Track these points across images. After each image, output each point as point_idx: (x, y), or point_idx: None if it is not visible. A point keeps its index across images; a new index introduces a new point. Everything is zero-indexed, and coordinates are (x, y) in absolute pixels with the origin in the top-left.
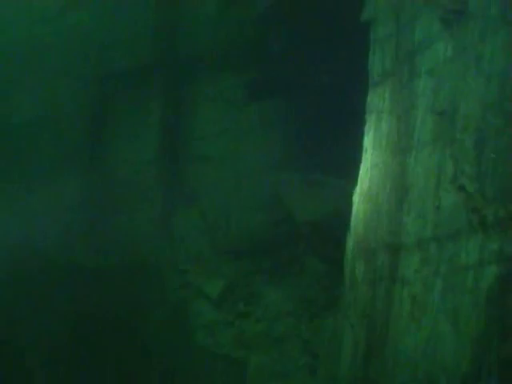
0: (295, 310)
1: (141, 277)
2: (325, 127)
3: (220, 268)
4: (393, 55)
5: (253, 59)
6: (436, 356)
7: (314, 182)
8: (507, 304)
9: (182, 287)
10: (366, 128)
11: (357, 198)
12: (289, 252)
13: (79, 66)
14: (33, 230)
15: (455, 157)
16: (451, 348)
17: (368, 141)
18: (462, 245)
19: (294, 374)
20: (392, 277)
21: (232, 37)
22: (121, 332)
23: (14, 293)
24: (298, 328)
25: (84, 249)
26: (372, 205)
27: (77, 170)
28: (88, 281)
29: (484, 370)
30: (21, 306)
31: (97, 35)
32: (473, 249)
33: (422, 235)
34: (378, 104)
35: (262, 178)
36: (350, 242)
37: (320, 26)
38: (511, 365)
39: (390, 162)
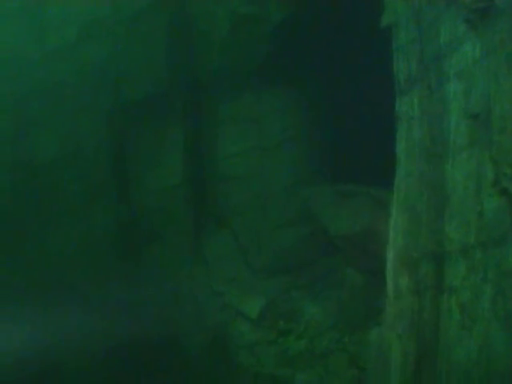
0: (336, 323)
1: (177, 304)
2: (354, 137)
3: (256, 287)
4: (418, 60)
5: (269, 75)
6: (490, 364)
7: (346, 193)
8: None
9: (220, 310)
10: (398, 136)
11: (394, 208)
12: (325, 265)
13: (97, 99)
14: (64, 266)
15: (495, 159)
16: (505, 355)
17: (400, 149)
18: (508, 249)
19: None
20: (438, 286)
21: (247, 54)
22: (162, 361)
23: (49, 329)
24: (342, 342)
25: (116, 281)
26: (410, 214)
27: (104, 203)
28: (122, 312)
29: None
30: (56, 344)
31: (112, 66)
32: None
33: (466, 242)
34: (408, 111)
35: (291, 193)
36: (391, 253)
37: (337, 36)
38: None
39: (426, 169)
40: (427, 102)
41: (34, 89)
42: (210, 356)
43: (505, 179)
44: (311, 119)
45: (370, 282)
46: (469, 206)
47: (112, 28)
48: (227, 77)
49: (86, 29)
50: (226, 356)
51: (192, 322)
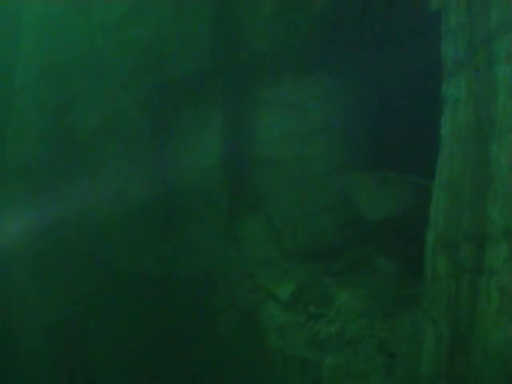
0: (368, 310)
1: (209, 283)
2: (392, 124)
3: (289, 271)
4: (467, 43)
5: (311, 60)
6: None
7: (384, 180)
8: None
9: (252, 291)
10: (443, 119)
11: (436, 190)
12: (359, 254)
13: (139, 76)
14: (100, 242)
15: None
16: None
17: (445, 131)
18: None
19: (370, 374)
20: (477, 269)
21: (289, 38)
22: (190, 339)
23: (81, 304)
24: (372, 328)
25: (151, 258)
26: (452, 196)
27: (142, 179)
28: (155, 290)
29: None
30: (88, 317)
31: (156, 45)
32: None
33: (509, 224)
34: (454, 94)
35: (328, 179)
36: (431, 236)
37: (385, 20)
38: None
39: (470, 151)
40: (475, 84)
41: (78, 63)
42: (239, 336)
43: None
44: (352, 106)
45: (404, 270)
46: None
47: (158, 6)
48: (270, 60)
49: (132, 6)
50: (256, 337)
51: (223, 301)
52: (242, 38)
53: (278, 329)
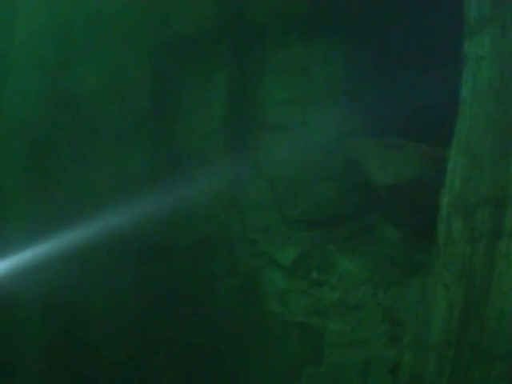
0: (372, 278)
1: (209, 249)
2: (405, 92)
3: (291, 238)
4: (492, 0)
5: (318, 23)
6: None
7: (393, 146)
8: None
9: (253, 256)
10: (464, 78)
11: (453, 151)
12: (363, 221)
13: (143, 35)
14: (97, 202)
15: None
16: None
17: (466, 91)
18: None
19: (374, 341)
20: (496, 232)
21: (299, 1)
22: (190, 304)
23: (82, 270)
24: (376, 296)
25: (151, 223)
26: (471, 158)
27: (142, 141)
28: (155, 255)
29: None
30: (86, 281)
31: (160, 4)
32: None
33: None
34: (477, 52)
35: (333, 145)
36: (445, 198)
37: None
38: None
39: (493, 110)
40: (500, 41)
41: (80, 21)
42: (240, 302)
43: None
44: (361, 71)
45: (409, 239)
46: None
47: None
48: (276, 22)
49: None
50: (256, 302)
51: (224, 267)
52: None
53: (279, 294)
